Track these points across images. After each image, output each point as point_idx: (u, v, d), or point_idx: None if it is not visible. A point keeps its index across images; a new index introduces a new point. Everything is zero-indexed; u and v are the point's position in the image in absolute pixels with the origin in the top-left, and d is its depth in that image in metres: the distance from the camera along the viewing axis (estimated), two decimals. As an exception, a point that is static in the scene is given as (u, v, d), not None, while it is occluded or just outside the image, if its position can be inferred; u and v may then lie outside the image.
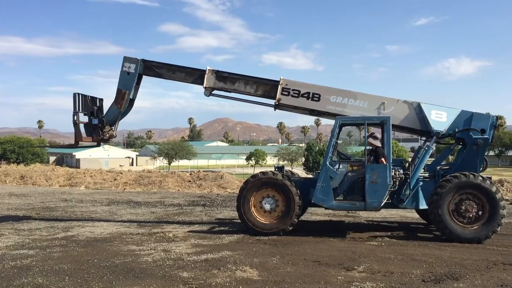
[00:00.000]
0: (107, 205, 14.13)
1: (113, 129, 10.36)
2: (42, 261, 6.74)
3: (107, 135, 10.22)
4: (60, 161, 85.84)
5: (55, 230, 9.46)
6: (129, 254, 7.19)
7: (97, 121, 10.06)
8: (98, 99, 10.39)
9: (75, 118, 9.84)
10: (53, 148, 78.27)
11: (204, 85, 9.68)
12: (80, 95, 9.96)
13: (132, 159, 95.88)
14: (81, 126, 10.10)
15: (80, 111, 9.93)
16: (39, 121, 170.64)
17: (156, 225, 10.21)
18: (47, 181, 23.33)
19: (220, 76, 9.68)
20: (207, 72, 9.66)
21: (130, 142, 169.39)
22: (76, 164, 77.71)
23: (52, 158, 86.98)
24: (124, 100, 9.92)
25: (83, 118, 10.12)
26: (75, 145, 10.38)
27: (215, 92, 9.83)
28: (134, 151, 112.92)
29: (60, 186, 22.20)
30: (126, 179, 22.46)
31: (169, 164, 75.35)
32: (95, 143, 10.40)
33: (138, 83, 10.11)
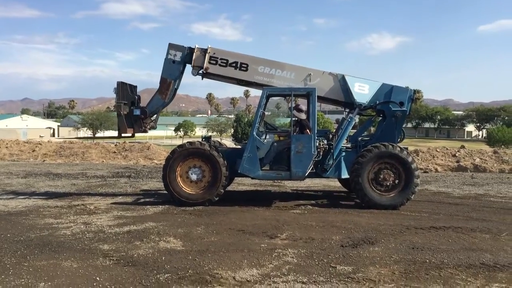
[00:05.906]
0: (24, 177, 13.34)
1: (153, 120, 9.69)
2: None
3: (148, 126, 9.54)
4: (-29, 131, 79.75)
5: (-36, 204, 8.78)
6: (46, 228, 6.84)
7: (139, 112, 9.26)
8: (133, 87, 9.51)
9: (120, 109, 9.04)
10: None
11: (192, 64, 9.17)
12: (122, 84, 9.13)
13: (54, 129, 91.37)
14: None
15: (123, 101, 9.11)
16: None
17: (76, 197, 9.79)
18: (-44, 152, 21.52)
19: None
20: (195, 51, 9.15)
21: (51, 112, 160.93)
22: (-10, 134, 72.53)
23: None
24: (169, 90, 9.23)
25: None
26: (118, 137, 9.59)
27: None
28: (56, 121, 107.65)
29: (-29, 157, 20.59)
30: (45, 150, 21.24)
31: (94, 135, 72.59)
32: (133, 135, 9.61)
33: (182, 72, 9.37)
